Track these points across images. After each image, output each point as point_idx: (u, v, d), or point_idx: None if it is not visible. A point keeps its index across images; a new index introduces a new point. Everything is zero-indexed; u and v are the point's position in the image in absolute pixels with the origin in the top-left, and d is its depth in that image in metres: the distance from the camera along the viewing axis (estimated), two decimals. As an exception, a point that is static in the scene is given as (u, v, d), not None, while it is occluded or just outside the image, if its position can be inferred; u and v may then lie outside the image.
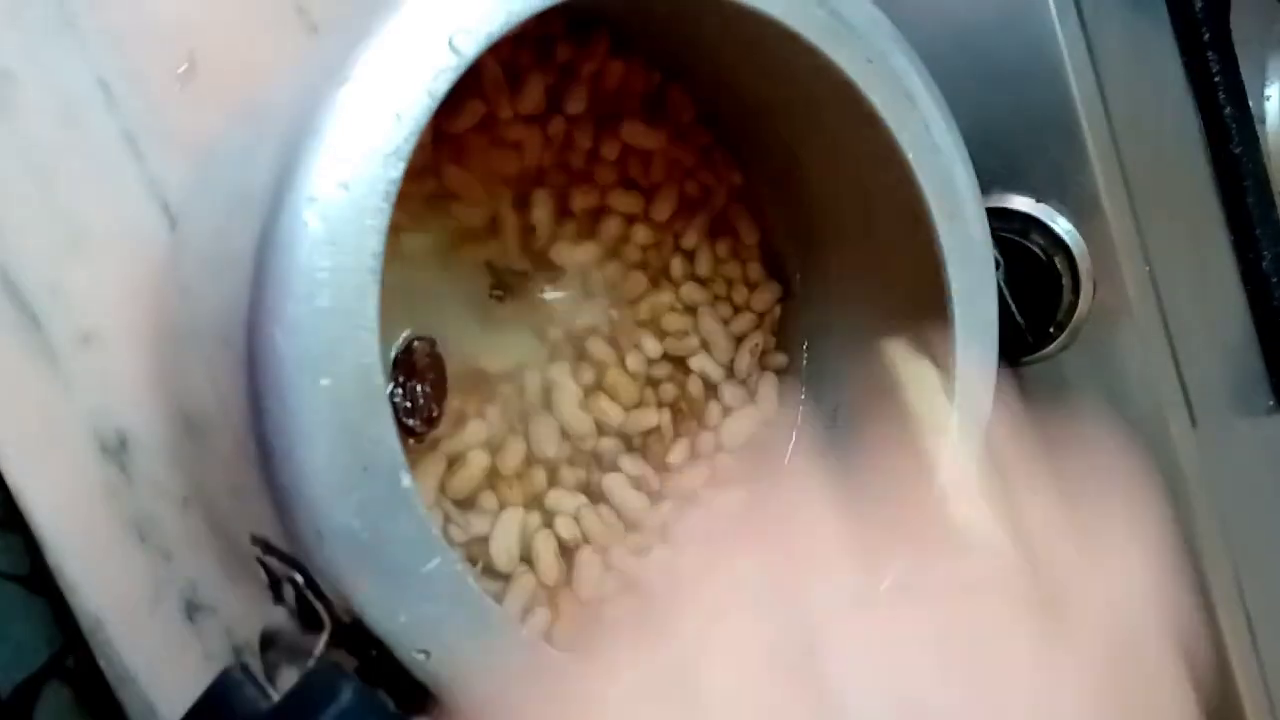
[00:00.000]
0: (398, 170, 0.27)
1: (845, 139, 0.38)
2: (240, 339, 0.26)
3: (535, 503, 0.38)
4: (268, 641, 0.30)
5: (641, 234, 0.41)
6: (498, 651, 0.27)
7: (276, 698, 0.27)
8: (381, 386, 0.26)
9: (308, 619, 0.27)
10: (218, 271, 0.31)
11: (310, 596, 0.26)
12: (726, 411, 0.43)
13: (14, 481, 0.36)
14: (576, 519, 0.39)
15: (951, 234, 0.37)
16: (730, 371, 0.44)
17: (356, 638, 0.26)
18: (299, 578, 0.26)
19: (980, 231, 0.38)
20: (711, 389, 0.43)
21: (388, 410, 0.26)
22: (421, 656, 0.26)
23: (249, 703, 0.28)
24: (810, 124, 0.39)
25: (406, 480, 0.26)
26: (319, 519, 0.25)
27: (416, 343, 0.36)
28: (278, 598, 0.29)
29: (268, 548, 0.28)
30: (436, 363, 0.36)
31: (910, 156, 0.36)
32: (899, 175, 0.37)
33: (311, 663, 0.27)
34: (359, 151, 0.26)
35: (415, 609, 0.26)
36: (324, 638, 0.27)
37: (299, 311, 0.25)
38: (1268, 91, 0.49)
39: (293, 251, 0.26)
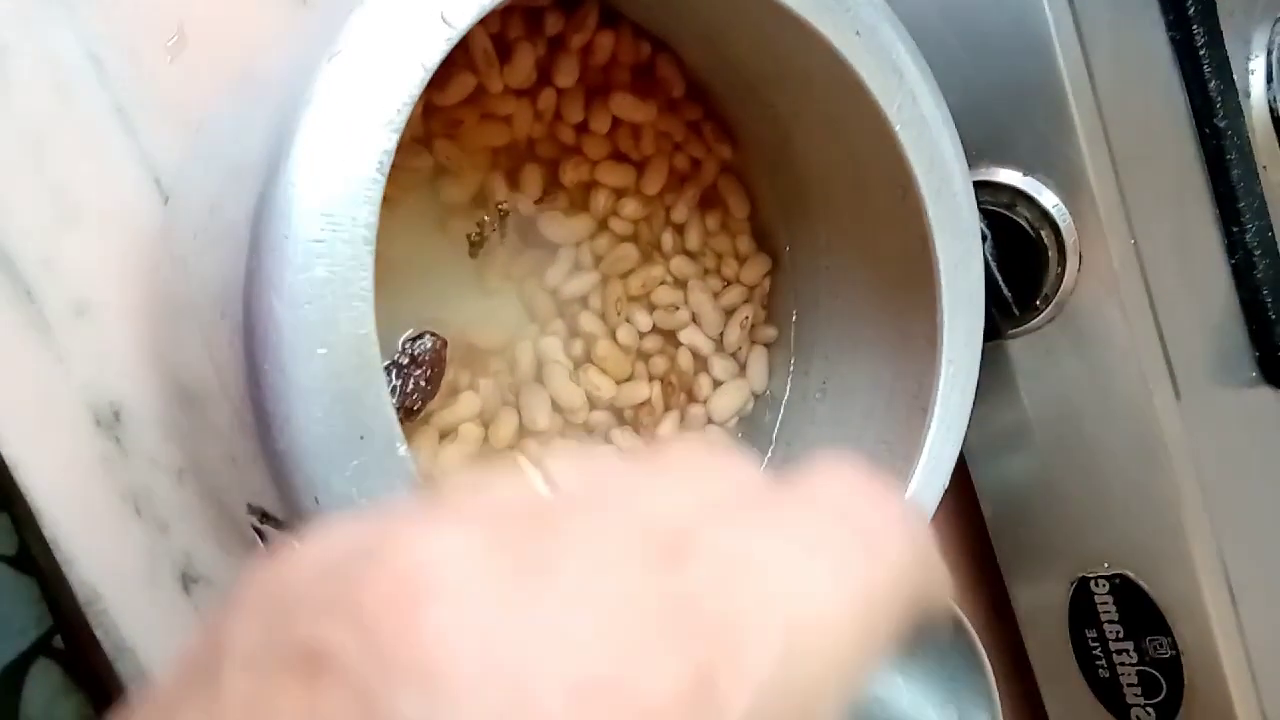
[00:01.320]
0: (391, 141, 0.27)
1: (834, 111, 0.38)
2: (237, 309, 0.26)
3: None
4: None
5: (631, 207, 0.41)
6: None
7: None
8: (377, 356, 0.26)
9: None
10: (212, 243, 0.31)
11: None
12: (716, 384, 0.44)
13: (9, 455, 0.37)
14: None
15: (939, 206, 0.38)
16: (720, 344, 0.44)
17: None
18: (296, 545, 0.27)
19: (967, 204, 0.39)
20: (701, 362, 0.44)
21: (383, 380, 0.26)
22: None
23: None
24: (799, 97, 0.40)
25: (402, 449, 0.26)
26: (316, 486, 0.25)
27: (429, 336, 0.36)
28: None
29: (265, 516, 0.28)
30: (438, 360, 0.36)
31: (898, 129, 0.37)
32: (887, 148, 0.37)
33: None
34: (352, 123, 0.27)
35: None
36: None
37: (296, 281, 0.26)
38: (1252, 65, 0.49)
39: (289, 221, 0.26)
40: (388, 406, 0.26)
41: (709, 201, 0.44)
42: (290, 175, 0.26)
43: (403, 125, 0.27)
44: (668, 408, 0.43)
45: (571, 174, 0.40)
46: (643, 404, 0.42)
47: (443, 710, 0.15)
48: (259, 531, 0.29)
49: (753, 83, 0.41)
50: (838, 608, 0.17)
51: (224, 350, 0.28)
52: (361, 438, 0.26)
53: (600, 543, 0.17)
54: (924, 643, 0.49)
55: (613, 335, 0.42)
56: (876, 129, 0.37)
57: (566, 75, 0.39)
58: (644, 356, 0.43)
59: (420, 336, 0.36)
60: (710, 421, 0.44)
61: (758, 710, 0.15)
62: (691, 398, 0.44)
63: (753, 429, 0.45)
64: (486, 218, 0.39)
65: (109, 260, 0.38)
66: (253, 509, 0.29)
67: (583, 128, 0.41)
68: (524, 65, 0.38)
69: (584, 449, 0.21)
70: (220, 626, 0.17)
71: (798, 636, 0.16)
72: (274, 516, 0.28)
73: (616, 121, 0.41)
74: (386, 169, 0.27)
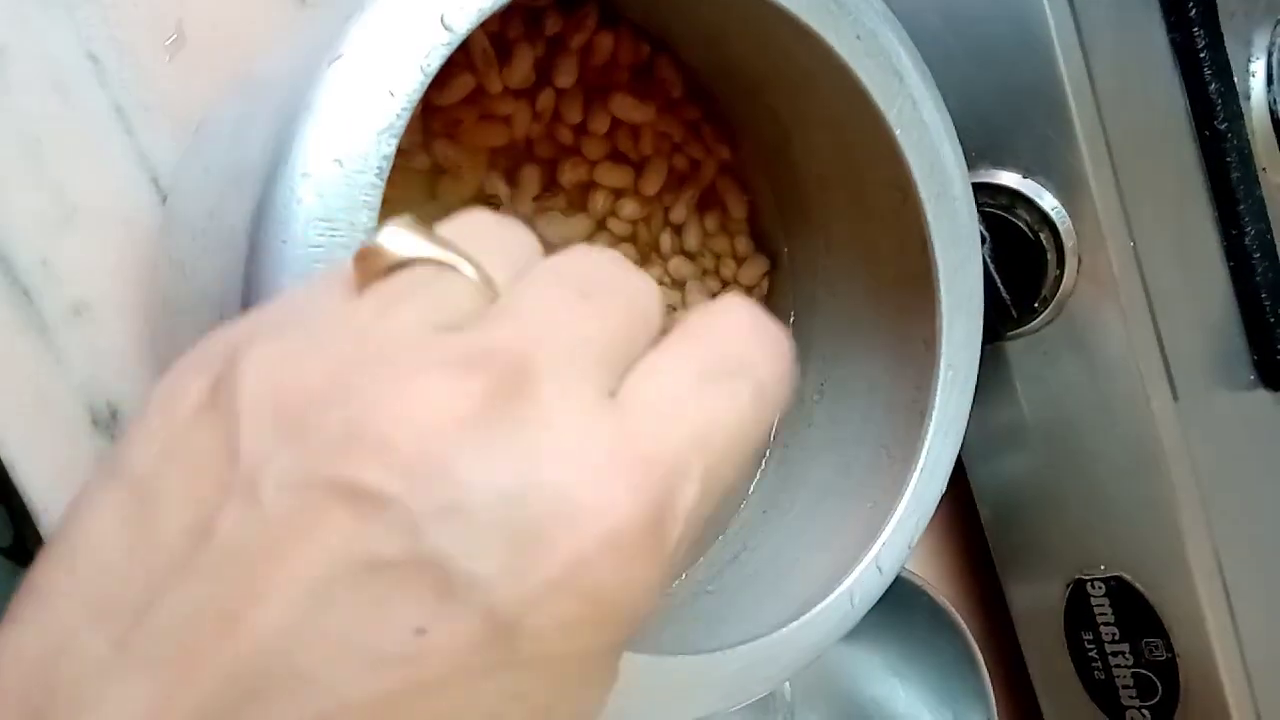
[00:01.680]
0: (390, 146, 0.27)
1: (834, 114, 0.38)
2: (235, 313, 0.26)
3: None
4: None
5: (630, 208, 0.41)
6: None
7: None
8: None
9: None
10: (211, 246, 0.31)
11: None
12: None
13: (6, 454, 0.37)
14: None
15: (938, 210, 0.38)
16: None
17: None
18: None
19: (967, 208, 0.39)
20: None
21: None
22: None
23: None
24: (799, 99, 0.40)
25: None
26: None
27: None
28: None
29: None
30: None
31: (898, 133, 0.37)
32: (887, 151, 0.37)
33: None
34: (352, 127, 0.27)
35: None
36: None
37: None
38: (1252, 67, 0.49)
39: (288, 226, 0.26)
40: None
41: (707, 202, 0.44)
42: (289, 180, 0.26)
43: (402, 130, 0.27)
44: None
45: (570, 174, 0.40)
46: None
47: (472, 536, 0.18)
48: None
49: (752, 85, 0.41)
50: (744, 433, 0.21)
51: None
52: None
53: (566, 378, 0.19)
54: (920, 646, 0.49)
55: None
56: (876, 132, 0.37)
57: (566, 76, 0.39)
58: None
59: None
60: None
61: (687, 527, 0.20)
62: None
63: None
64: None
65: (107, 260, 0.38)
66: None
67: (581, 128, 0.41)
68: (523, 66, 0.38)
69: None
70: (233, 419, 0.18)
71: (715, 463, 0.20)
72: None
73: (615, 122, 0.41)
74: (386, 174, 0.27)
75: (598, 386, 0.20)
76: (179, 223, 0.36)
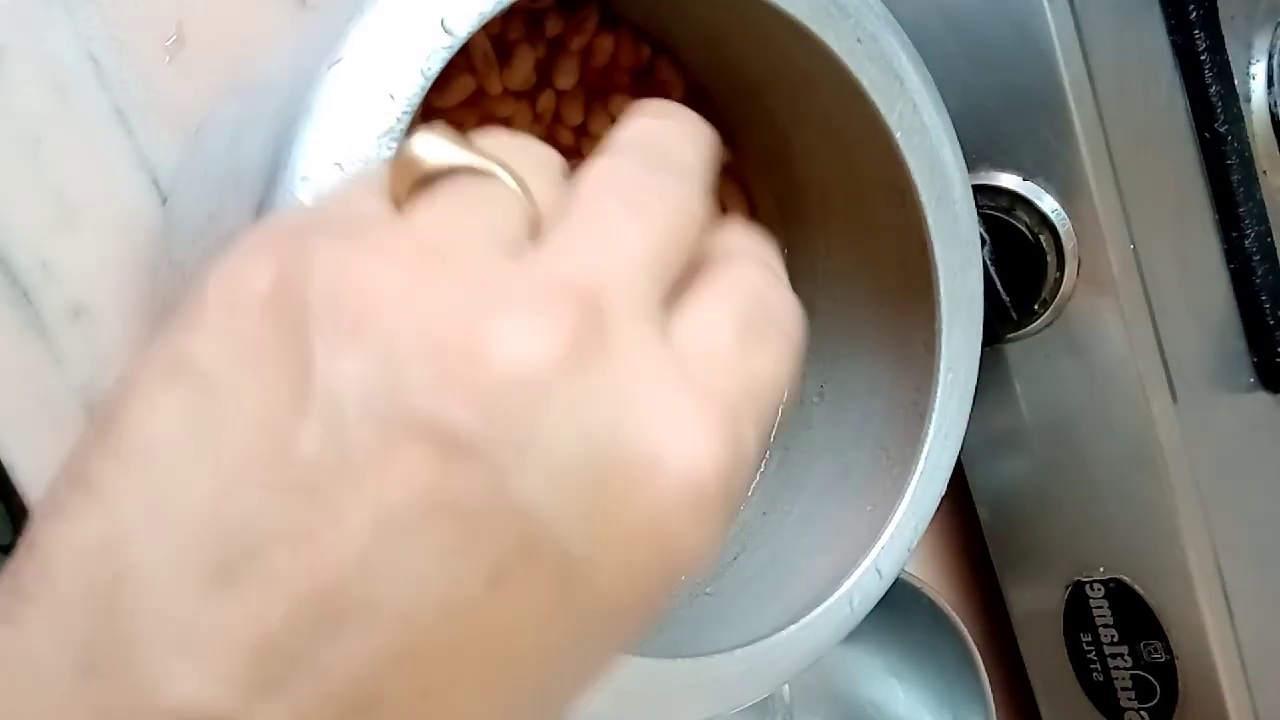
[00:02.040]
0: (391, 150, 0.27)
1: (834, 117, 0.38)
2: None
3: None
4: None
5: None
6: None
7: None
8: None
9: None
10: (210, 247, 0.31)
11: None
12: None
13: (5, 455, 0.37)
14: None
15: (938, 213, 0.38)
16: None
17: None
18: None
19: (967, 211, 0.39)
20: None
21: None
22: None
23: None
24: (800, 102, 0.40)
25: None
26: None
27: None
28: None
29: None
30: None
31: (898, 136, 0.37)
32: (887, 154, 0.37)
33: None
34: (352, 131, 0.27)
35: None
36: None
37: None
38: (1253, 70, 0.49)
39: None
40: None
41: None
42: (289, 183, 0.26)
43: (403, 134, 0.27)
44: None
45: (571, 176, 0.40)
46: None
47: (554, 489, 0.18)
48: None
49: (753, 87, 0.41)
50: (778, 390, 0.21)
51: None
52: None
53: (635, 315, 0.19)
54: (919, 648, 0.49)
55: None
56: (876, 135, 0.37)
57: (566, 77, 0.39)
58: None
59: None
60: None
61: (742, 474, 0.20)
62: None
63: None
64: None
65: (107, 262, 0.38)
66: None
67: (582, 130, 0.41)
68: (524, 67, 0.38)
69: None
70: (310, 330, 0.18)
71: (764, 415, 0.21)
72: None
73: (616, 124, 0.41)
74: None
75: (658, 322, 0.20)
76: (179, 224, 0.36)
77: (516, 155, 0.22)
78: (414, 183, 0.20)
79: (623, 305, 0.19)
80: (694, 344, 0.20)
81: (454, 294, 0.18)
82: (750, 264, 0.22)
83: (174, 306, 0.20)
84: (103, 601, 0.17)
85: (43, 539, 0.18)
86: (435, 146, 0.20)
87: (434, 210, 0.20)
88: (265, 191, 0.26)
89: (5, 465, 0.37)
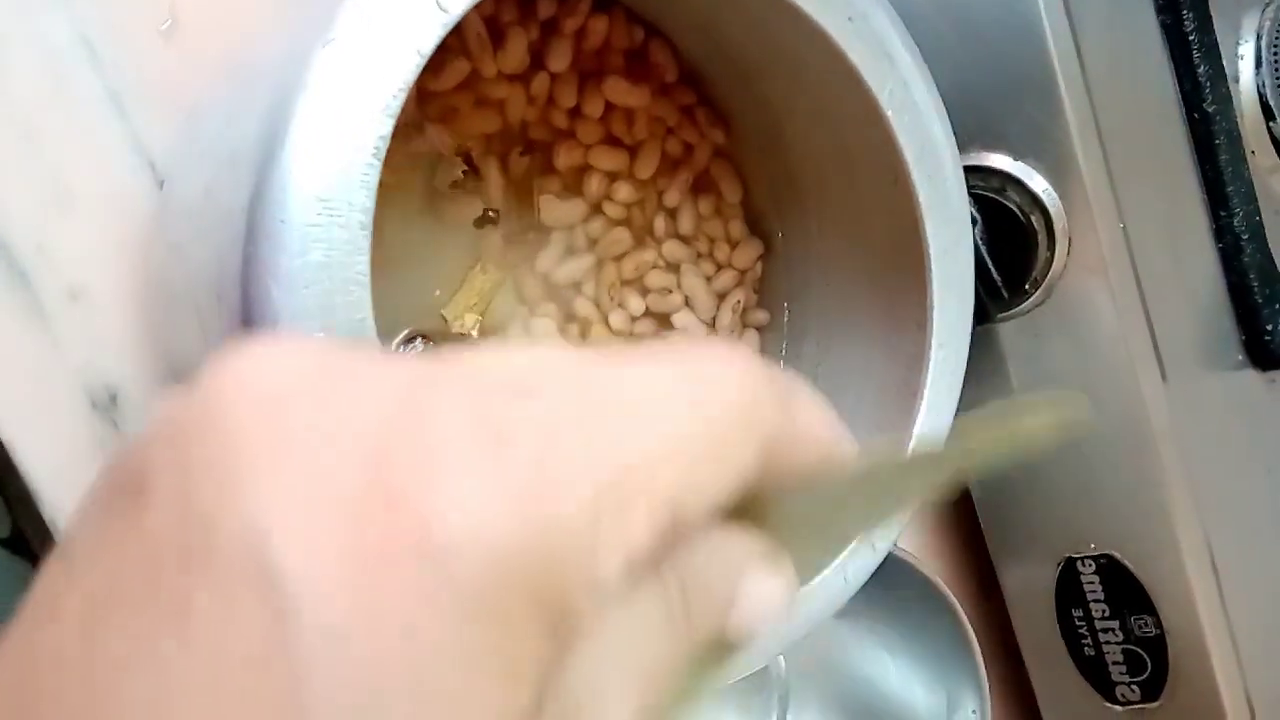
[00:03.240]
0: (387, 126, 0.27)
1: (827, 97, 0.39)
2: (234, 294, 0.27)
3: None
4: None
5: (625, 191, 0.42)
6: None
7: None
8: (375, 341, 0.27)
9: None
10: (207, 227, 0.32)
11: None
12: None
13: (6, 438, 0.37)
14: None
15: (929, 192, 0.38)
16: (713, 328, 0.44)
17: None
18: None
19: (958, 190, 0.39)
20: None
21: None
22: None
23: None
24: (792, 82, 0.40)
25: None
26: None
27: (420, 339, 0.36)
28: None
29: None
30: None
31: (889, 115, 0.37)
32: (879, 134, 0.37)
33: None
34: (348, 109, 0.27)
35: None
36: None
37: (293, 266, 0.26)
38: (1241, 50, 0.50)
39: (286, 207, 0.26)
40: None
41: (702, 186, 0.44)
42: (286, 161, 0.26)
43: (398, 111, 0.27)
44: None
45: (565, 158, 0.41)
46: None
47: (245, 492, 0.16)
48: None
49: (745, 68, 0.41)
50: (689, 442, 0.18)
51: (219, 334, 0.28)
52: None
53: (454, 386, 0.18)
54: (913, 624, 0.49)
55: (605, 319, 0.42)
56: (868, 115, 0.37)
57: (559, 60, 0.40)
58: (637, 340, 0.43)
59: (412, 339, 0.36)
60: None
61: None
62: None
63: None
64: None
65: (104, 245, 0.38)
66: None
67: (576, 112, 0.41)
68: (517, 50, 0.39)
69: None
70: None
71: (665, 470, 0.18)
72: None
73: (609, 106, 0.41)
74: (382, 154, 0.27)
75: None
76: (175, 206, 0.36)
77: None
78: None
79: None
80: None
81: None
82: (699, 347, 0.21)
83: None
84: None
85: None
86: None
87: None
88: (262, 168, 0.27)
89: (6, 446, 0.37)
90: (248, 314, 0.26)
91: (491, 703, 0.16)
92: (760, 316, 0.45)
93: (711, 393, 0.19)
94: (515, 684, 0.16)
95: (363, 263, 0.27)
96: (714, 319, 0.44)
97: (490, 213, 0.40)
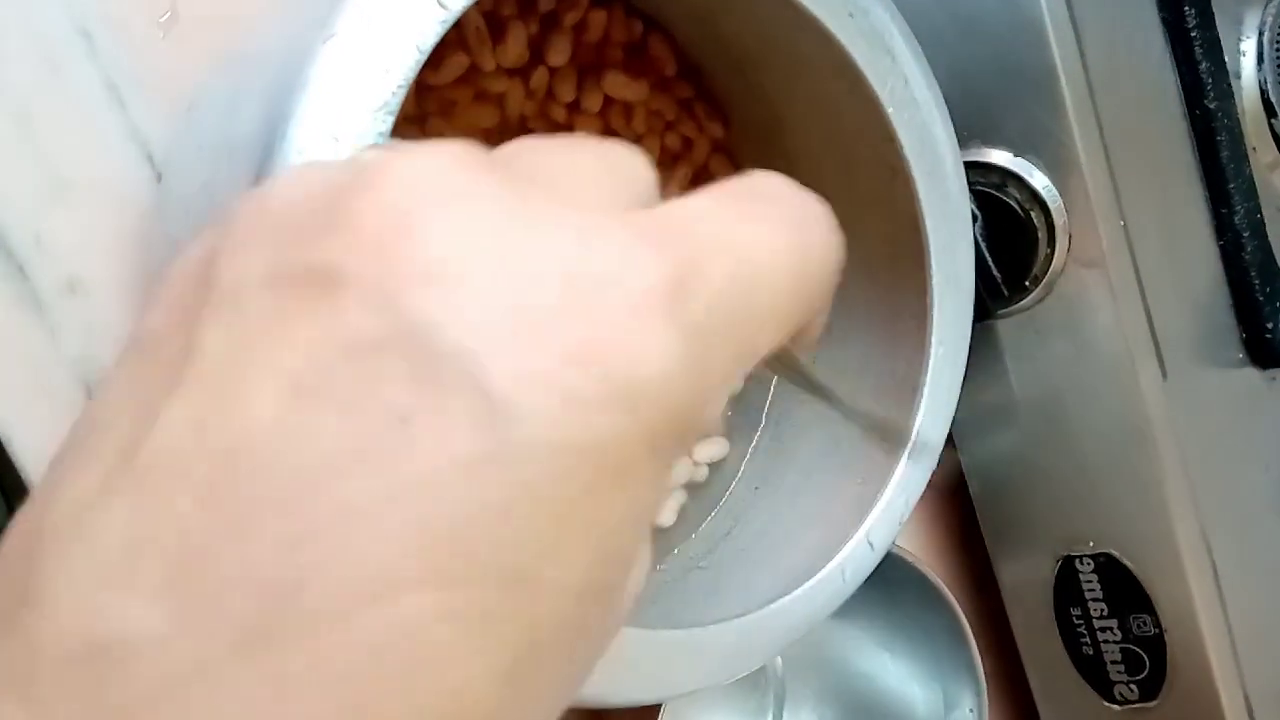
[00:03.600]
0: (386, 124, 0.27)
1: (825, 92, 0.38)
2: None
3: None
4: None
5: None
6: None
7: None
8: None
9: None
10: (204, 221, 0.31)
11: None
12: None
13: (1, 430, 0.37)
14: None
15: (929, 189, 0.38)
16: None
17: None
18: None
19: (958, 186, 0.39)
20: None
21: None
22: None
23: None
24: (791, 75, 0.40)
25: None
26: None
27: None
28: None
29: None
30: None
31: (889, 111, 0.37)
32: (878, 130, 0.37)
33: None
34: (347, 105, 0.27)
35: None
36: None
37: None
38: (1243, 46, 0.49)
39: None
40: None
41: (701, 181, 0.43)
42: (285, 159, 0.26)
43: (398, 108, 0.27)
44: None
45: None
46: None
47: (455, 303, 0.16)
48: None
49: (743, 62, 0.41)
50: (776, 258, 0.19)
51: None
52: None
53: (576, 168, 0.19)
54: (910, 621, 0.49)
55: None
56: (867, 110, 0.37)
57: (559, 54, 0.39)
58: None
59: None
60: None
61: (713, 313, 0.18)
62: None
63: (743, 407, 0.46)
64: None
65: (101, 236, 0.38)
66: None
67: (575, 107, 0.41)
68: (517, 44, 0.38)
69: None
70: (218, 252, 0.18)
71: (745, 268, 0.19)
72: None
73: (608, 100, 0.41)
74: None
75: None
76: (173, 199, 0.36)
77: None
78: None
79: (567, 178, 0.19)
80: (663, 209, 0.19)
81: (350, 179, 0.18)
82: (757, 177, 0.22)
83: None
84: (26, 555, 0.16)
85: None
86: None
87: None
88: (260, 165, 0.26)
89: (1, 439, 0.37)
90: None
91: (647, 527, 0.19)
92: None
93: (814, 255, 0.21)
94: (660, 508, 0.18)
95: None
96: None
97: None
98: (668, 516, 0.43)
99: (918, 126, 0.37)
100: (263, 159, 0.26)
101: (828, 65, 0.37)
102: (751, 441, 0.45)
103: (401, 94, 0.27)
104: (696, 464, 0.44)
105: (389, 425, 0.16)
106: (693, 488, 0.44)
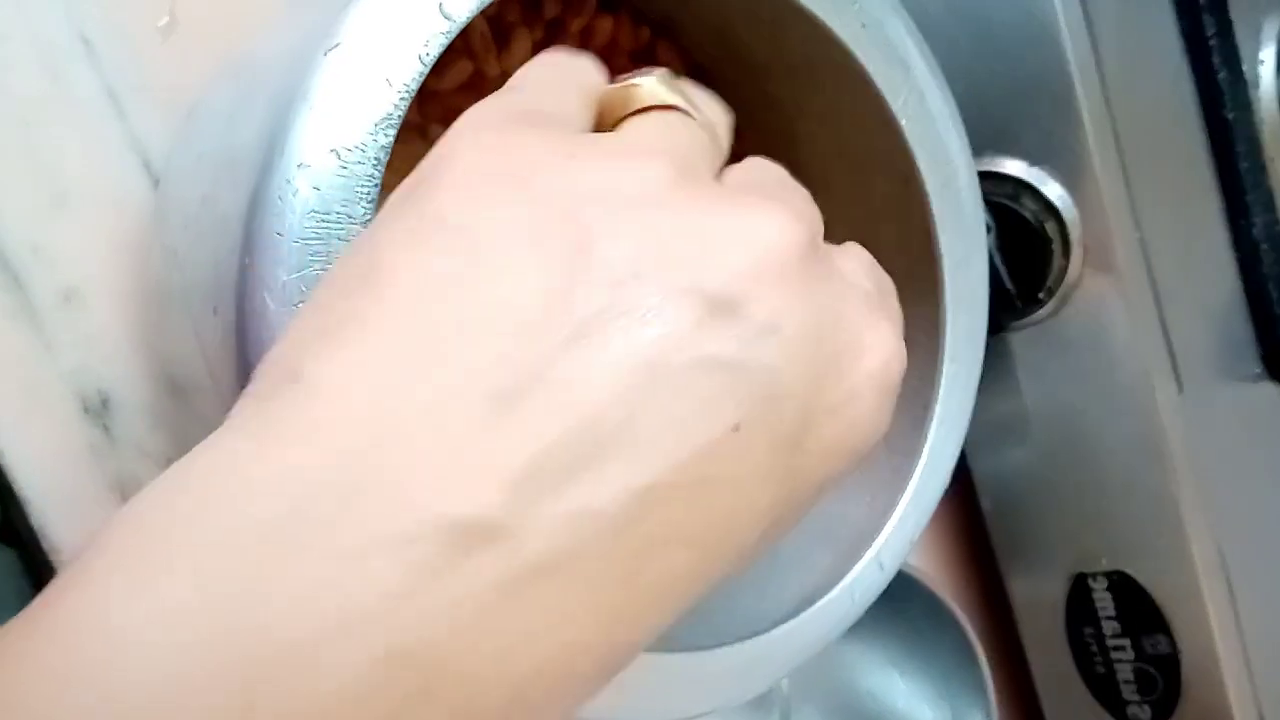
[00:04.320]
0: (389, 137, 0.26)
1: (838, 104, 0.38)
2: (229, 306, 0.26)
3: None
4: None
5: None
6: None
7: None
8: None
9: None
10: (203, 234, 0.31)
11: None
12: None
13: (-4, 441, 0.36)
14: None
15: (943, 202, 0.37)
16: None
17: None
18: None
19: (972, 199, 0.38)
20: None
21: None
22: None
23: None
24: (804, 87, 0.39)
25: None
26: None
27: None
28: None
29: None
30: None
31: (903, 124, 0.36)
32: (892, 141, 0.37)
33: None
34: (350, 117, 0.26)
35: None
36: None
37: (290, 281, 0.25)
38: (1261, 56, 0.49)
39: (283, 219, 0.25)
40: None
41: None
42: (286, 172, 0.25)
43: (401, 120, 0.26)
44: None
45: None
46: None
47: (795, 357, 0.21)
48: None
49: (756, 71, 0.40)
50: (898, 357, 0.24)
51: (215, 342, 0.28)
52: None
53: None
54: (920, 639, 0.49)
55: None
56: (881, 122, 0.37)
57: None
58: None
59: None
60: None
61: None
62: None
63: None
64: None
65: (98, 246, 0.37)
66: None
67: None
68: (522, 50, 0.38)
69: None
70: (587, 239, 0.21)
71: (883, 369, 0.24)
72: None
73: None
74: (384, 164, 0.27)
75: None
76: (171, 209, 0.35)
77: (712, 109, 0.27)
78: (628, 113, 0.25)
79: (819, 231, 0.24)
80: (854, 277, 0.25)
81: (697, 194, 0.22)
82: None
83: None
84: (374, 426, 0.18)
85: (307, 369, 0.19)
86: (657, 89, 0.25)
87: (644, 128, 0.25)
88: (261, 177, 0.26)
89: (-4, 451, 0.36)
90: (242, 329, 0.25)
91: None
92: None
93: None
94: None
95: None
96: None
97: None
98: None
99: (932, 139, 0.37)
100: (263, 170, 0.26)
101: (840, 77, 0.36)
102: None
103: (405, 106, 0.27)
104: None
105: (726, 427, 0.20)
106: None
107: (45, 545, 0.37)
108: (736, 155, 0.43)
